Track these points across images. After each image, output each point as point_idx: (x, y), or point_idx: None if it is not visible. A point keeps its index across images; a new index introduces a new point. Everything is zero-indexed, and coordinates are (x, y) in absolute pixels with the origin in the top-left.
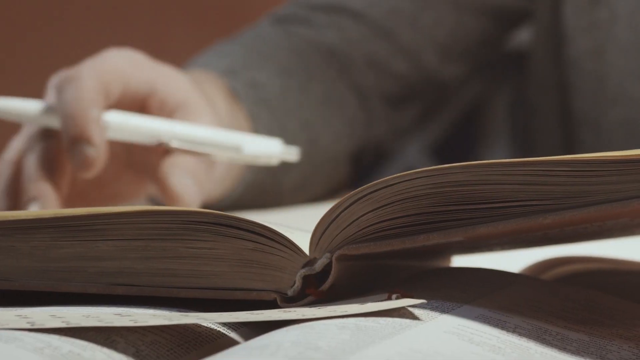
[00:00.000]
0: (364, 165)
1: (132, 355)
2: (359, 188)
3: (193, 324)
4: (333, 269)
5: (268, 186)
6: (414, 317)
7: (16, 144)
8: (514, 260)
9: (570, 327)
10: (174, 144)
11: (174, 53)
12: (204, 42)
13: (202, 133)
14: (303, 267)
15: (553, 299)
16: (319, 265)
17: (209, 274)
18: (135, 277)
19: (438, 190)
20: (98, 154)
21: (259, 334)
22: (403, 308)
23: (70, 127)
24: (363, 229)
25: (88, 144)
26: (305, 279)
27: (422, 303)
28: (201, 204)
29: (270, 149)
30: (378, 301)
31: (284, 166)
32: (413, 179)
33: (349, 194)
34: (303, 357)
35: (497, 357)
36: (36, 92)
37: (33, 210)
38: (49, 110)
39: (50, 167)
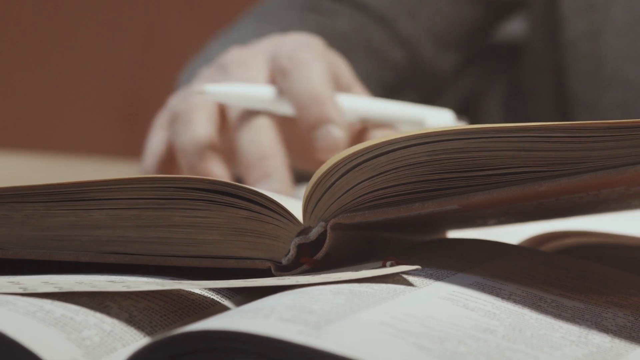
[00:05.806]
0: None
1: (125, 320)
2: (353, 153)
3: (186, 292)
4: (328, 238)
5: None
6: (408, 284)
7: (161, 134)
8: (509, 234)
9: (565, 294)
10: (372, 121)
11: (169, 41)
12: (199, 30)
13: (392, 109)
14: (297, 235)
15: (548, 269)
16: (313, 233)
17: (203, 242)
18: (128, 246)
19: (433, 157)
20: (342, 134)
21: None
22: (397, 275)
23: (313, 109)
24: (358, 197)
25: (333, 125)
26: (300, 247)
27: (416, 270)
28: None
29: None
30: (372, 268)
31: None
32: (407, 146)
33: (341, 160)
34: (297, 319)
35: (493, 322)
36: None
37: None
38: (278, 94)
39: (279, 146)
